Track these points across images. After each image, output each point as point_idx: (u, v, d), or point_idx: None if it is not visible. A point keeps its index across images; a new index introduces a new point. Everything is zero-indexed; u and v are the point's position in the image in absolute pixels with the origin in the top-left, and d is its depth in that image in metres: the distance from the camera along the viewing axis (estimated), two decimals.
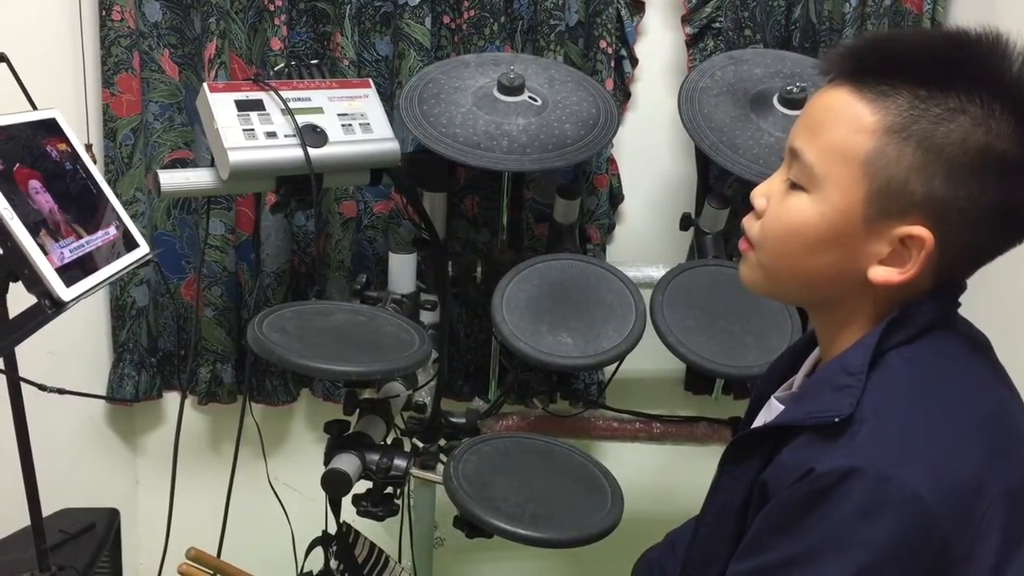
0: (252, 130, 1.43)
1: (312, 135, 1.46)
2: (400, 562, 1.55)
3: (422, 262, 1.67)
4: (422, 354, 1.29)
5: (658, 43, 1.83)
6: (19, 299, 0.98)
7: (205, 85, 1.45)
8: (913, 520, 0.74)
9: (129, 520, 1.70)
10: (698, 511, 1.00)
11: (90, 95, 1.70)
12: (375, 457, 1.31)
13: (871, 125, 0.79)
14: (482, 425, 1.65)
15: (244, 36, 1.70)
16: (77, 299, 0.99)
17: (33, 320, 0.97)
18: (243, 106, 1.45)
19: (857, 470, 0.75)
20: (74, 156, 1.11)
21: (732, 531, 0.89)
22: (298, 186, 1.48)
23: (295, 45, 1.74)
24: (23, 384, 1.11)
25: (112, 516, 1.52)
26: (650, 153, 1.88)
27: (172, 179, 1.44)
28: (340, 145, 1.49)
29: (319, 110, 1.51)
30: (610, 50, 1.74)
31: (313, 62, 1.62)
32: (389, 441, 1.43)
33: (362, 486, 1.33)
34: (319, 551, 1.40)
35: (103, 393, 1.82)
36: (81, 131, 1.69)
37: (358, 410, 1.42)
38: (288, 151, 1.44)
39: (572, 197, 1.66)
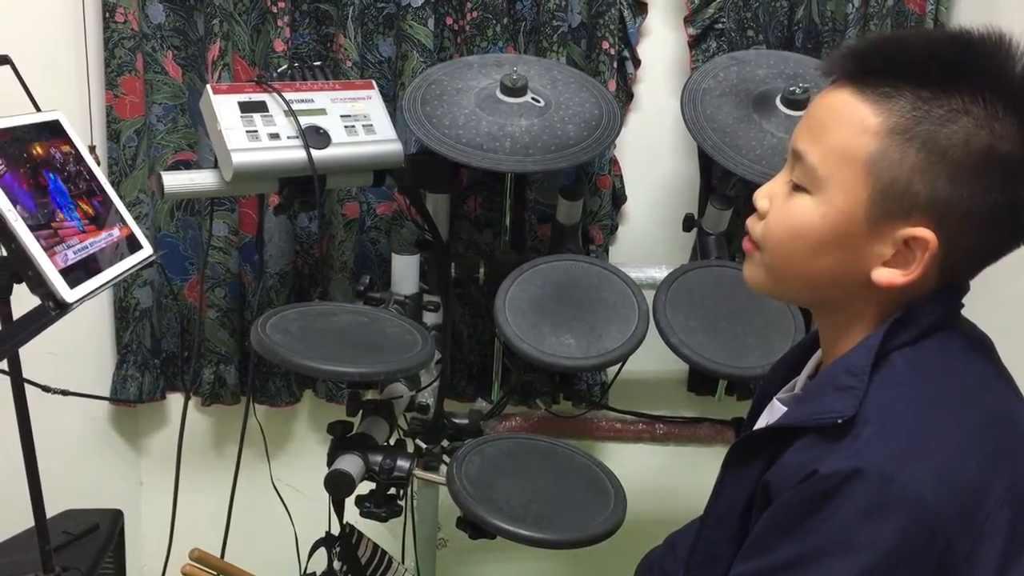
0: (255, 132, 1.43)
1: (315, 136, 1.47)
2: (403, 563, 1.55)
3: (425, 263, 1.67)
4: (425, 355, 1.29)
5: (661, 44, 1.83)
6: (23, 301, 0.99)
7: (208, 87, 1.45)
8: (917, 521, 0.74)
9: (133, 521, 1.71)
10: (701, 512, 1.00)
11: (94, 97, 1.70)
12: (378, 458, 1.31)
13: (874, 127, 0.79)
14: (485, 426, 1.65)
15: (247, 38, 1.71)
16: (81, 301, 0.99)
17: (37, 322, 0.97)
18: (246, 108, 1.45)
19: (861, 471, 0.75)
20: (78, 158, 1.11)
21: (735, 532, 0.89)
22: (301, 187, 1.48)
23: (298, 47, 1.74)
24: (27, 385, 1.11)
25: (116, 517, 1.52)
26: (653, 154, 1.88)
27: (175, 181, 1.44)
28: (343, 146, 1.49)
29: (322, 111, 1.51)
30: (613, 51, 1.74)
31: (316, 64, 1.62)
32: (392, 442, 1.43)
33: (365, 487, 1.33)
34: (322, 552, 1.40)
35: (107, 394, 1.82)
36: (85, 133, 1.69)
37: (361, 411, 1.42)
38: (291, 152, 1.44)
39: (575, 198, 1.66)
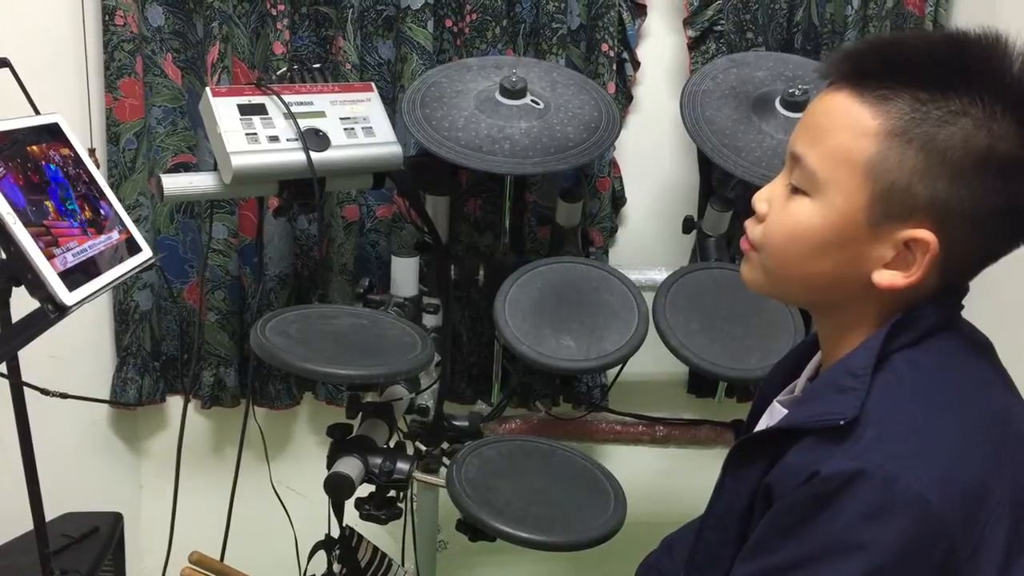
0: (255, 134, 1.43)
1: (315, 139, 1.47)
2: (403, 565, 1.55)
3: (425, 265, 1.67)
4: (424, 357, 1.29)
5: (660, 46, 1.83)
6: (22, 303, 0.99)
7: (208, 89, 1.45)
8: (919, 523, 0.74)
9: (132, 524, 1.71)
10: (701, 514, 1.00)
11: (93, 100, 1.70)
12: (378, 460, 1.31)
13: (873, 129, 0.79)
14: (485, 428, 1.65)
15: (247, 40, 1.71)
16: (80, 304, 0.99)
17: (36, 325, 0.97)
18: (246, 110, 1.45)
19: (863, 473, 0.75)
20: (77, 161, 1.12)
21: (736, 534, 0.89)
22: (301, 190, 1.48)
23: (298, 49, 1.74)
24: (26, 388, 1.11)
25: (115, 520, 1.52)
26: (652, 156, 1.88)
27: (175, 183, 1.44)
28: (342, 149, 1.49)
29: (321, 114, 1.51)
30: (612, 53, 1.75)
31: (316, 66, 1.62)
32: (392, 444, 1.43)
33: (365, 489, 1.33)
34: (322, 555, 1.40)
35: (106, 397, 1.82)
36: (84, 136, 1.69)
37: (361, 413, 1.42)
38: (291, 155, 1.44)
39: (574, 200, 1.66)
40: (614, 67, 1.76)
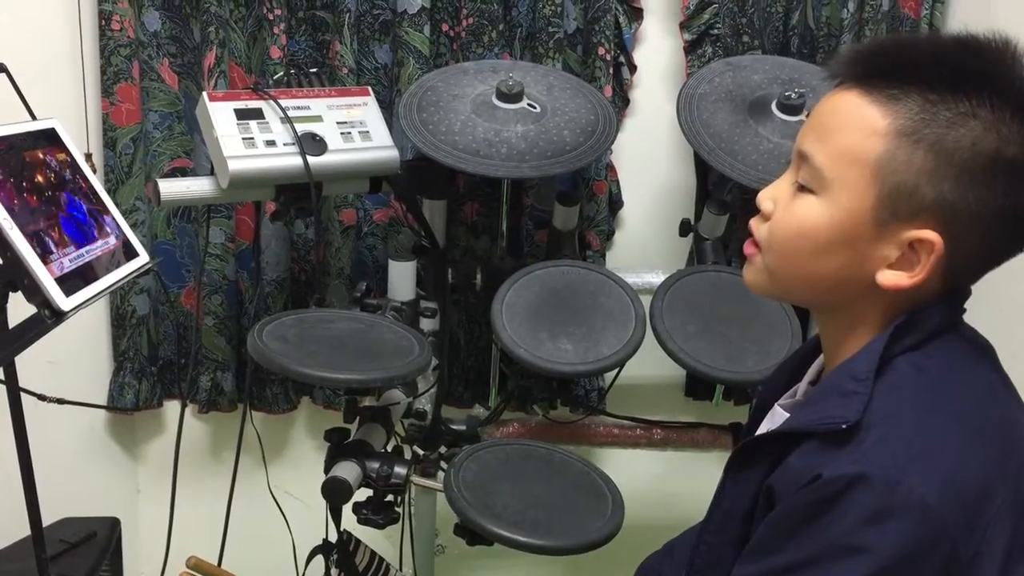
0: (251, 139, 1.43)
1: (311, 143, 1.47)
2: (401, 570, 1.55)
3: (422, 269, 1.67)
4: (422, 361, 1.29)
5: (656, 50, 1.83)
6: (19, 309, 0.98)
7: (204, 94, 1.45)
8: (921, 526, 0.74)
9: (130, 529, 1.70)
10: (700, 517, 1.00)
11: (90, 105, 1.70)
12: (375, 465, 1.31)
13: (882, 129, 0.79)
14: (482, 432, 1.65)
15: (243, 45, 1.71)
16: (77, 309, 0.99)
17: (33, 330, 0.97)
18: (242, 115, 1.45)
19: (865, 476, 0.75)
20: (74, 166, 1.11)
21: (737, 536, 0.89)
22: (298, 194, 1.48)
23: (294, 54, 1.74)
24: (23, 394, 1.11)
25: (113, 525, 1.52)
26: (649, 159, 1.88)
27: (172, 188, 1.44)
28: (339, 153, 1.49)
29: (318, 118, 1.51)
30: (608, 57, 1.75)
31: (312, 70, 1.62)
32: (389, 448, 1.43)
33: (362, 494, 1.32)
34: (320, 559, 1.40)
35: (104, 402, 1.82)
36: (81, 141, 1.69)
37: (358, 418, 1.42)
38: (287, 159, 1.44)
39: (571, 204, 1.66)
40: (611, 71, 1.76)
